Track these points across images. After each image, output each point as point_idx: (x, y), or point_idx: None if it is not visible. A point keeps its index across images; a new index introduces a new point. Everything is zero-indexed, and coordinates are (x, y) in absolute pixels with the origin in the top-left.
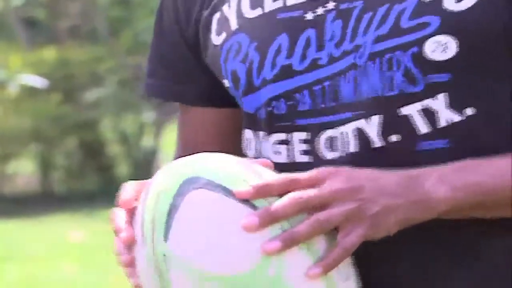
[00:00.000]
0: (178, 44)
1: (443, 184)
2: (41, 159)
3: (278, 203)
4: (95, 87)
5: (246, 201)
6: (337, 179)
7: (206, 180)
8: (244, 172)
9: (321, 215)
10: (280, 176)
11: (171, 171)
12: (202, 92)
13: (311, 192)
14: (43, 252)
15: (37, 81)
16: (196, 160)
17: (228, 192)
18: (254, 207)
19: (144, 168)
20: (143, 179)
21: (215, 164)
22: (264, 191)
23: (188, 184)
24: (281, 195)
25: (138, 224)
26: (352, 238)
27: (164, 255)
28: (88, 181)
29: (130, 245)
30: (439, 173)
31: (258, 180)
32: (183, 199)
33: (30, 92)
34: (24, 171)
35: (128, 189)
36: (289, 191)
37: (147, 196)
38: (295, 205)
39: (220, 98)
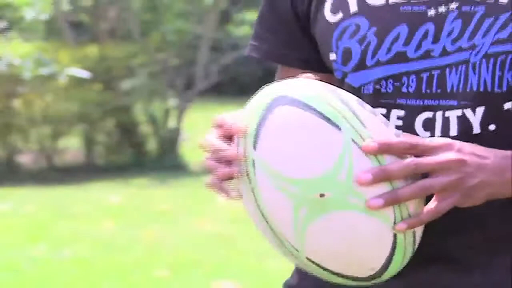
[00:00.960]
0: (287, 15)
1: None
2: (85, 136)
3: (393, 165)
4: (129, 78)
5: (326, 117)
6: (448, 151)
7: (291, 98)
8: (329, 95)
9: (426, 182)
10: (399, 135)
11: (263, 93)
12: (303, 58)
13: (424, 160)
14: (87, 212)
15: (82, 73)
16: (285, 83)
17: (309, 108)
18: (333, 123)
19: (168, 144)
20: (168, 154)
21: (301, 86)
22: (386, 149)
23: (276, 101)
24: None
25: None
26: (444, 204)
27: (253, 160)
28: (123, 155)
29: (230, 160)
30: None
31: (341, 104)
32: (271, 112)
33: (76, 82)
34: (71, 146)
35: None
36: (406, 154)
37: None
38: (407, 170)
39: (318, 64)
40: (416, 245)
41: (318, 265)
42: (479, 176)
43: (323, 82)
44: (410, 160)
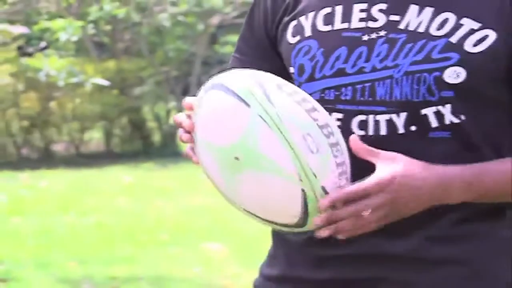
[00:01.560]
0: (261, 35)
1: (466, 194)
2: (105, 130)
3: (338, 213)
4: (139, 86)
5: (239, 97)
6: (379, 193)
7: (220, 84)
8: (249, 81)
9: (359, 215)
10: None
11: (211, 80)
12: (273, 69)
13: (361, 205)
14: (106, 189)
15: (103, 82)
16: (225, 73)
17: (229, 90)
18: (244, 102)
19: (169, 137)
20: (169, 144)
21: (232, 74)
22: (334, 204)
23: (211, 86)
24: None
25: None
26: (366, 229)
27: (195, 132)
28: (134, 145)
29: (190, 130)
30: (465, 183)
31: (257, 87)
32: (206, 94)
33: (98, 89)
34: (94, 138)
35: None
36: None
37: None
38: (347, 215)
39: (285, 74)
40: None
41: (253, 214)
42: (409, 205)
43: (253, 70)
44: (349, 208)
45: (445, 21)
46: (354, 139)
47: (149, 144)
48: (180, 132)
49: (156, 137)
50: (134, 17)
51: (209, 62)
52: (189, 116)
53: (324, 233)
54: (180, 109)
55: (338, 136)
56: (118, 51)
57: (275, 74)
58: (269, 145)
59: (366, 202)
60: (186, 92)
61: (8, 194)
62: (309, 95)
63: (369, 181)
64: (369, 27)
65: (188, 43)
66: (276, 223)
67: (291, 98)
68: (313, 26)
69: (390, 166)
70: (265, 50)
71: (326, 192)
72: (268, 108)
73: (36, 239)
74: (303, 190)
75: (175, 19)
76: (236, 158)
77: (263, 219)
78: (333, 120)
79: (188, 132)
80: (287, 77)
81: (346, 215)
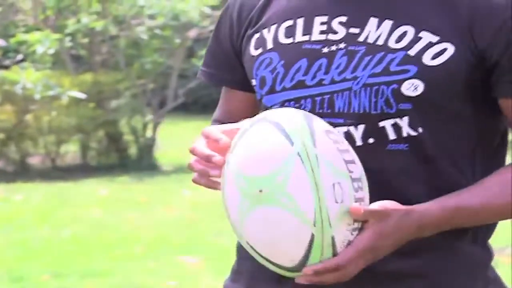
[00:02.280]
0: (227, 48)
1: (438, 231)
2: (81, 143)
3: (321, 278)
4: (116, 99)
5: (286, 133)
6: (353, 264)
7: (267, 118)
8: (298, 117)
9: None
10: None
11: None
12: (239, 81)
13: (343, 273)
14: (82, 203)
15: (79, 95)
16: (271, 111)
17: (276, 124)
18: (289, 139)
19: (146, 150)
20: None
21: (280, 111)
22: (320, 276)
23: (256, 121)
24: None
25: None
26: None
27: (228, 161)
28: (111, 158)
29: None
30: (439, 225)
31: (305, 126)
32: (250, 127)
33: (75, 101)
34: (70, 151)
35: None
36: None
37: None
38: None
39: (250, 87)
40: (338, 249)
41: (253, 249)
42: (382, 255)
43: (306, 112)
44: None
45: (404, 34)
46: (354, 208)
47: (125, 157)
48: (193, 161)
49: (133, 150)
50: (112, 30)
51: (186, 75)
52: (207, 145)
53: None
54: (156, 123)
55: (366, 191)
56: (95, 64)
57: (240, 86)
58: (297, 185)
59: (349, 269)
60: (162, 105)
61: None
62: (352, 148)
63: (352, 252)
64: (329, 40)
65: (165, 56)
66: (271, 262)
67: (335, 145)
68: (275, 38)
69: (379, 226)
70: (231, 63)
71: (334, 243)
72: (309, 148)
73: (11, 252)
74: (312, 235)
75: (152, 32)
76: (260, 191)
77: (262, 257)
78: (365, 176)
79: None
80: (251, 89)
81: (330, 279)
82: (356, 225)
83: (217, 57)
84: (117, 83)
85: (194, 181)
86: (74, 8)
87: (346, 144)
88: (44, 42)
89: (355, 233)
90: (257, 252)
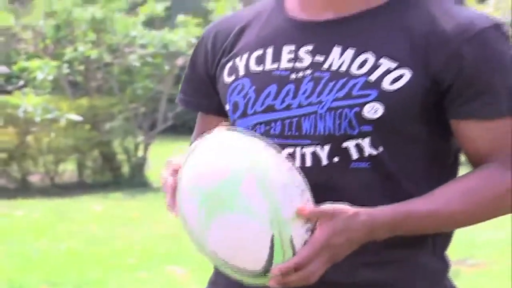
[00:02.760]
0: (203, 76)
1: (391, 234)
2: (78, 163)
3: (288, 278)
4: (110, 121)
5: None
6: (315, 260)
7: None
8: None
9: (301, 277)
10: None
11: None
12: (214, 107)
13: (306, 271)
14: (78, 218)
15: (76, 118)
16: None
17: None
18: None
19: (138, 169)
20: (137, 176)
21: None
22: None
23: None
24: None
25: None
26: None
27: (180, 177)
28: (105, 176)
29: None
30: (391, 229)
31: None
32: (200, 143)
33: (72, 124)
34: (68, 169)
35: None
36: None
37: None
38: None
39: (224, 112)
40: (297, 249)
41: (218, 258)
42: (341, 256)
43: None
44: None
45: (365, 61)
46: (300, 207)
47: (118, 175)
48: (165, 189)
49: (125, 169)
50: (106, 58)
51: (174, 100)
52: (173, 174)
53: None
54: (147, 144)
55: (310, 196)
56: (90, 89)
57: (215, 112)
58: (249, 190)
59: (310, 268)
60: (153, 127)
61: None
62: (291, 164)
63: (308, 250)
64: (296, 67)
65: (155, 82)
66: (239, 269)
67: (276, 158)
68: (246, 66)
69: (329, 224)
70: (205, 89)
71: (293, 244)
72: (257, 157)
73: (11, 263)
74: (272, 236)
75: (144, 60)
76: (216, 200)
77: (228, 264)
78: (306, 185)
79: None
80: (225, 114)
81: (295, 279)
82: (310, 225)
83: (192, 84)
84: (111, 107)
85: (167, 207)
86: (71, 37)
87: (289, 162)
88: (43, 69)
89: (309, 233)
90: (222, 261)
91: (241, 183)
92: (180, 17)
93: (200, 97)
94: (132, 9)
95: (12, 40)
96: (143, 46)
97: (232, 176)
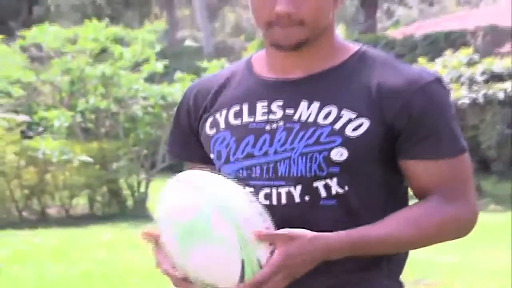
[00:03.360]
0: (186, 130)
1: (345, 255)
2: (89, 197)
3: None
4: (116, 162)
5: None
6: (277, 275)
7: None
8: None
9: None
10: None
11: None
12: (198, 156)
13: (271, 284)
14: (89, 244)
15: (87, 159)
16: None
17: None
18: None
19: (140, 203)
20: (140, 208)
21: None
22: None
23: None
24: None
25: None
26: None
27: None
28: (113, 209)
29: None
30: (345, 251)
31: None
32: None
33: (84, 164)
34: (80, 203)
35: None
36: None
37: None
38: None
39: (208, 159)
40: (258, 264)
41: (199, 279)
42: (300, 273)
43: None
44: None
45: (329, 113)
46: (255, 232)
47: (124, 208)
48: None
49: (130, 202)
50: (113, 108)
51: None
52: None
53: None
54: (148, 181)
55: (270, 223)
56: (100, 134)
57: (199, 160)
58: (218, 222)
59: (270, 284)
60: (153, 166)
61: (10, 247)
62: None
63: (267, 269)
64: (270, 120)
65: (155, 128)
66: (218, 287)
67: (239, 192)
68: (226, 120)
69: (285, 247)
70: (189, 141)
71: (260, 264)
72: (220, 195)
73: (31, 284)
74: (242, 259)
75: (145, 109)
76: (190, 232)
77: (208, 283)
78: (266, 213)
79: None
80: (210, 161)
81: None
82: (272, 247)
83: (177, 138)
84: (117, 150)
85: (155, 265)
86: (84, 91)
87: (251, 195)
88: (60, 118)
89: (271, 254)
90: (202, 280)
91: (211, 218)
92: (178, 74)
93: (185, 148)
94: (135, 67)
95: (33, 93)
96: (145, 98)
97: (203, 213)
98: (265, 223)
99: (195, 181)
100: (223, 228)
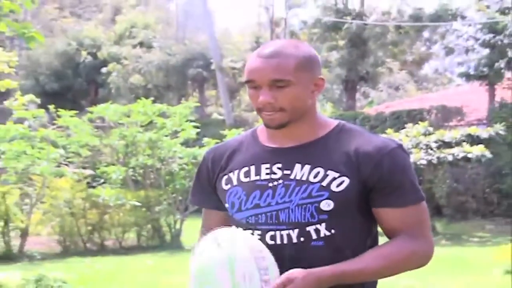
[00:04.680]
0: (206, 184)
1: (333, 283)
2: (137, 233)
3: None
4: (158, 206)
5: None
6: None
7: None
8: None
9: None
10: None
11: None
12: (215, 205)
13: None
14: (137, 269)
15: (136, 203)
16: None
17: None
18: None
19: (176, 238)
20: (175, 241)
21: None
22: None
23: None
24: None
25: None
26: None
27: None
28: (154, 241)
29: None
30: (331, 279)
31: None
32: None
33: (134, 207)
34: (131, 237)
35: None
36: None
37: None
38: None
39: (222, 208)
40: None
41: None
42: None
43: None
44: None
45: (318, 173)
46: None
47: (163, 241)
48: None
49: (168, 237)
50: (157, 165)
51: None
52: None
53: None
54: (182, 220)
55: (273, 274)
56: (146, 185)
57: (215, 208)
58: (221, 274)
59: None
60: (186, 209)
61: (77, 272)
62: (267, 251)
63: None
64: (272, 178)
65: (188, 181)
66: None
67: (251, 254)
68: (238, 178)
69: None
70: (208, 193)
71: None
72: (232, 255)
73: None
74: None
75: (181, 166)
76: (201, 279)
77: None
78: (275, 265)
79: None
80: (223, 209)
81: None
82: None
83: (199, 190)
84: (159, 196)
85: None
86: (135, 152)
87: (263, 252)
88: (116, 172)
89: None
90: None
91: (215, 271)
92: (206, 139)
93: (204, 198)
94: (174, 134)
95: (97, 154)
96: (181, 158)
97: (212, 265)
98: (265, 276)
99: (218, 239)
100: (222, 279)
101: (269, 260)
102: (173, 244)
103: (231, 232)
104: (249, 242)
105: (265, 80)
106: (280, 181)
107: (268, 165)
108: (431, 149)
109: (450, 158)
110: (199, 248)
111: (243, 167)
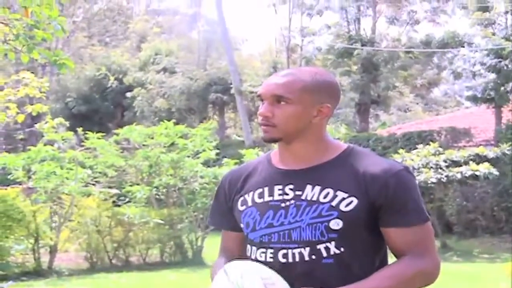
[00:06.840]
0: (223, 206)
1: None
2: (160, 249)
3: None
4: (180, 224)
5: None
6: None
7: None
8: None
9: None
10: None
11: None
12: (232, 226)
13: None
14: (161, 284)
15: (160, 221)
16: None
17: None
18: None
19: (198, 254)
20: (197, 257)
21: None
22: None
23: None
24: None
25: None
26: None
27: None
28: (177, 257)
29: None
30: None
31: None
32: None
33: (157, 225)
34: (154, 253)
35: None
36: None
37: None
38: None
39: (238, 229)
40: None
41: None
42: None
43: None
44: None
45: (327, 193)
46: None
47: (186, 257)
48: None
49: (190, 253)
50: (179, 184)
51: None
52: None
53: None
54: (204, 237)
55: None
56: (169, 203)
57: (232, 229)
58: None
59: None
60: (207, 227)
61: (103, 287)
62: (277, 277)
63: None
64: (284, 199)
65: (209, 199)
66: None
67: (263, 281)
68: (252, 199)
69: None
70: (225, 215)
71: None
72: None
73: None
74: None
75: (202, 186)
76: None
77: None
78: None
79: None
80: (238, 229)
81: None
82: None
83: (217, 212)
84: (181, 215)
85: None
86: (158, 172)
87: (273, 279)
88: (141, 191)
89: None
90: None
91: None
92: (225, 160)
93: (222, 219)
94: (196, 155)
95: (122, 174)
96: (202, 177)
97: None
98: None
99: (231, 272)
100: None
101: (280, 286)
102: (195, 260)
103: (241, 264)
104: (258, 272)
105: (268, 95)
106: (292, 201)
107: (280, 186)
108: (441, 168)
109: (458, 176)
110: (213, 282)
111: (258, 188)
